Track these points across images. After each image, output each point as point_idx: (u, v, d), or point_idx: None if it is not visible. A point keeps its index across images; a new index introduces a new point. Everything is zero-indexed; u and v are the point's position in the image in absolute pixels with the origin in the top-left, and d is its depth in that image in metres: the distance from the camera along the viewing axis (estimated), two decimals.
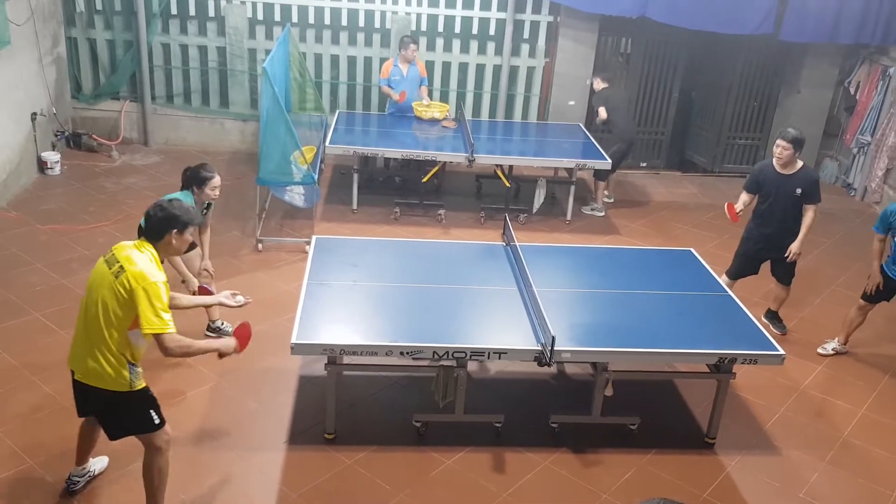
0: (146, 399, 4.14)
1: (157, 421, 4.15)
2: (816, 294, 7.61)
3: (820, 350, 6.58)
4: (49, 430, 4.99)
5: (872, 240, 6.28)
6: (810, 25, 9.60)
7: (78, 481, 4.56)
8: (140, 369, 4.11)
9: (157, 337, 3.91)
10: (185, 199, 5.42)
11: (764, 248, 6.59)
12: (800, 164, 6.37)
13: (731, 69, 10.76)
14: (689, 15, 9.45)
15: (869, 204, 10.25)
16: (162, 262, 4.09)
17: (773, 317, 6.91)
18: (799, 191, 6.32)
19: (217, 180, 5.63)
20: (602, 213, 9.27)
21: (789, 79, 10.83)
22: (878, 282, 6.25)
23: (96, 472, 4.67)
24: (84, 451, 4.54)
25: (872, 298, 6.38)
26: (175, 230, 4.06)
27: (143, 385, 4.12)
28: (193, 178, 5.59)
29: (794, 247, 6.42)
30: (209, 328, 6.19)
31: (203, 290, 5.40)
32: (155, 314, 3.87)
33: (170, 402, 5.35)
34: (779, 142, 6.29)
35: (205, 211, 5.78)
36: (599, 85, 9.26)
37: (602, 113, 9.12)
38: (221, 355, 4.31)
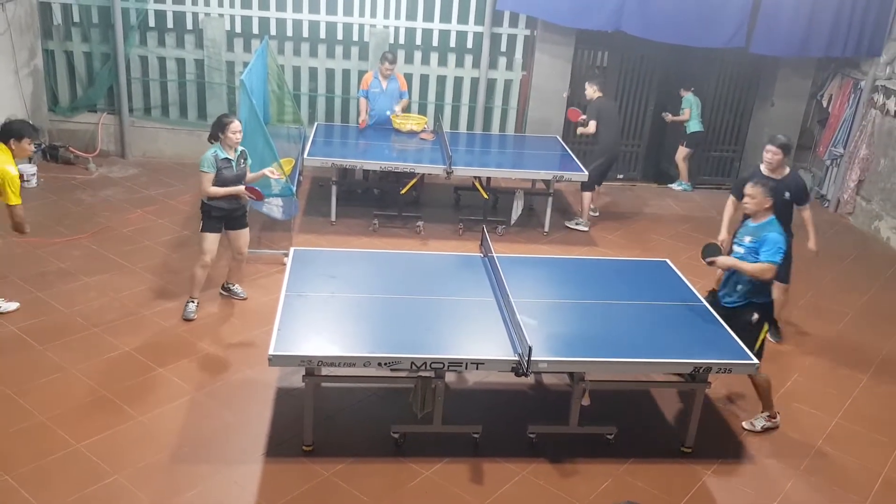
0: None
1: None
2: (790, 305, 7.69)
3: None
4: (27, 447, 4.94)
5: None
6: (780, 39, 9.77)
7: None
8: None
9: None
10: (217, 151, 6.36)
11: None
12: (787, 169, 6.57)
13: (706, 82, 10.90)
14: (662, 29, 9.59)
15: (842, 215, 10.40)
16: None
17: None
18: (787, 194, 6.45)
19: (237, 125, 6.36)
20: (587, 229, 9.18)
21: (763, 92, 10.99)
22: (723, 239, 6.24)
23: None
24: None
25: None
26: (13, 139, 5.84)
27: None
28: (216, 126, 6.38)
29: (812, 245, 6.72)
30: (223, 286, 7.00)
31: (251, 190, 6.49)
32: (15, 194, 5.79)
33: (146, 414, 5.33)
34: (769, 147, 6.47)
35: (242, 162, 6.56)
36: (595, 93, 9.07)
37: (591, 127, 9.00)
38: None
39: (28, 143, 6.03)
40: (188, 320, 6.52)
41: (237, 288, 7.00)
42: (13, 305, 6.46)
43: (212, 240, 6.51)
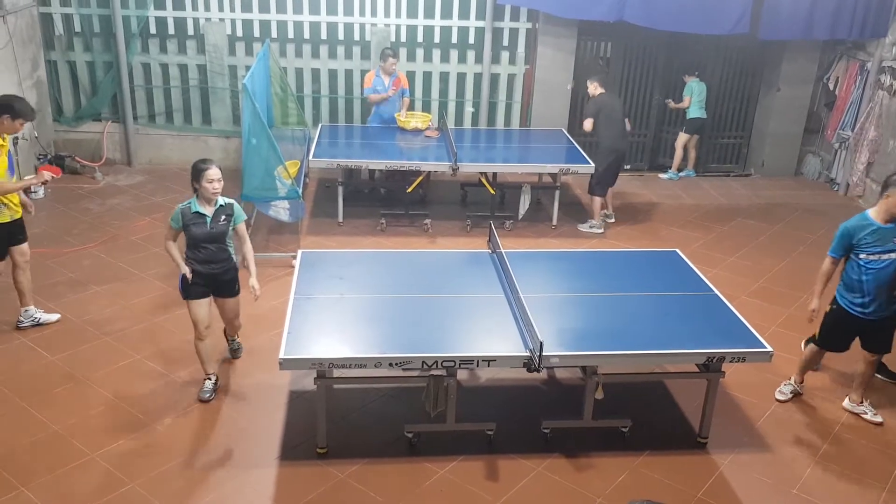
0: None
1: None
2: (803, 290, 7.63)
3: (778, 395, 5.95)
4: (42, 458, 4.95)
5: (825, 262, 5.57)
6: (785, 23, 9.70)
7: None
8: None
9: None
10: (192, 203, 5.32)
11: None
12: None
13: (711, 70, 10.84)
14: (665, 17, 9.52)
15: (852, 198, 10.33)
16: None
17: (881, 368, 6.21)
18: None
19: (213, 173, 5.25)
20: (601, 231, 8.93)
21: (768, 77, 10.92)
22: (815, 309, 5.61)
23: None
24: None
25: (827, 343, 5.76)
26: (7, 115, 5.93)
27: None
28: (192, 173, 5.31)
29: None
30: (226, 337, 6.10)
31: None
32: None
33: (159, 421, 5.34)
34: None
35: (223, 218, 5.39)
36: (596, 89, 8.82)
37: (587, 125, 8.74)
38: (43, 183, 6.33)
39: (21, 124, 6.16)
40: (203, 401, 5.56)
41: (236, 343, 6.11)
42: (54, 316, 6.56)
43: (196, 307, 5.44)
